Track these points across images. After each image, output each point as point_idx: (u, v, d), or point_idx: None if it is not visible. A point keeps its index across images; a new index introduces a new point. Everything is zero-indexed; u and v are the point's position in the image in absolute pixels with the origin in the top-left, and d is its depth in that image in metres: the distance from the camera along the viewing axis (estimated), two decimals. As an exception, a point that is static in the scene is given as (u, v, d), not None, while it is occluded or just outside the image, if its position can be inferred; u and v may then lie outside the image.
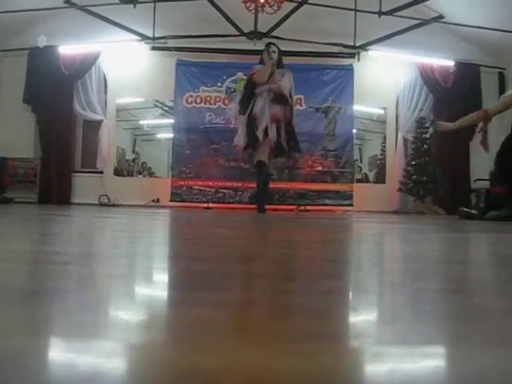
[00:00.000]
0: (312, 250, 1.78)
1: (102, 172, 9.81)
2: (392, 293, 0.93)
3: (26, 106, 9.66)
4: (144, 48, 9.60)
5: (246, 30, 9.19)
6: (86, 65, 9.68)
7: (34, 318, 0.63)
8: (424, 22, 9.18)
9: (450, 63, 9.83)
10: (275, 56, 7.25)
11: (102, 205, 9.18)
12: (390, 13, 8.41)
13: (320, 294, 0.84)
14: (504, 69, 9.95)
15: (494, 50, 9.70)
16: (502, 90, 9.95)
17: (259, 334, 0.60)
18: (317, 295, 0.84)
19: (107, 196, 9.42)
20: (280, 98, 7.07)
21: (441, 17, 9.22)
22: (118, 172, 10.17)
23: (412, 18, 8.89)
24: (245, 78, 9.48)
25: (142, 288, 0.92)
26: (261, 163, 6.82)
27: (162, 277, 1.07)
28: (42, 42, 9.10)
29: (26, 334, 0.56)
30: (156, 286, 0.96)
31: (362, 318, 0.74)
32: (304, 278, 1.04)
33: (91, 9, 9.00)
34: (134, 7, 8.21)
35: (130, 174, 10.60)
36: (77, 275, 0.99)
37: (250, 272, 1.07)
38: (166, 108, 10.35)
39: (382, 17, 8.31)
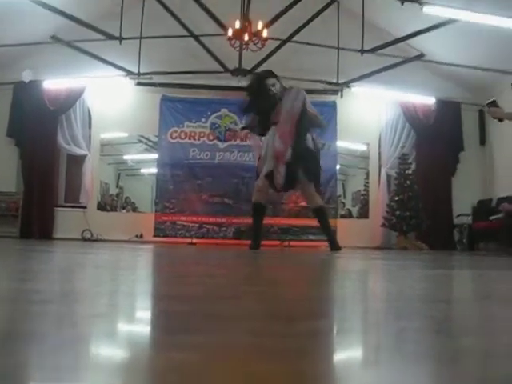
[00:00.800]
0: (295, 288, 1.77)
1: (85, 207, 9.75)
2: (376, 333, 0.93)
3: (9, 140, 9.64)
4: (129, 83, 9.65)
5: (230, 67, 9.29)
6: (71, 99, 9.70)
7: (8, 363, 0.61)
8: (405, 60, 9.34)
9: (431, 100, 9.99)
10: (277, 89, 6.15)
11: (84, 240, 9.11)
12: (372, 51, 8.56)
13: (303, 335, 0.84)
14: (484, 106, 10.11)
15: (474, 88, 9.89)
16: (482, 126, 10.12)
17: (240, 378, 0.59)
18: (300, 336, 0.83)
19: (90, 231, 9.34)
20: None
21: (422, 55, 9.40)
22: (101, 207, 10.12)
23: (393, 56, 9.05)
24: (229, 114, 9.57)
25: (122, 330, 0.91)
26: (258, 206, 6.19)
27: (142, 318, 1.05)
28: (27, 76, 9.12)
29: None
30: (136, 327, 0.95)
31: (345, 359, 0.73)
32: (287, 318, 1.03)
33: (77, 44, 9.06)
34: (120, 43, 8.27)
35: (114, 209, 10.54)
36: (56, 315, 0.97)
37: (232, 312, 1.06)
38: (150, 143, 10.38)
39: (364, 55, 8.46)
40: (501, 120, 5.91)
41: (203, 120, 9.66)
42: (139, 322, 1.00)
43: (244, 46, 7.85)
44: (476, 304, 1.44)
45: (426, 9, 6.91)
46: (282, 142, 5.90)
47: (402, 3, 6.79)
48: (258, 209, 6.20)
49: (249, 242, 6.34)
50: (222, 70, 9.40)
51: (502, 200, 9.10)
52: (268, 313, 1.11)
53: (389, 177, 10.22)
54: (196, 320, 0.94)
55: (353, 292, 1.70)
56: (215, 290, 1.50)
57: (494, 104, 5.79)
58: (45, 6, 7.81)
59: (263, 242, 6.30)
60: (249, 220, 7.94)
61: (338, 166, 9.82)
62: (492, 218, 9.03)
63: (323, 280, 2.26)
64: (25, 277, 1.80)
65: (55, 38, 9.14)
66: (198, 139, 9.59)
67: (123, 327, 0.93)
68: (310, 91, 9.51)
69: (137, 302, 1.30)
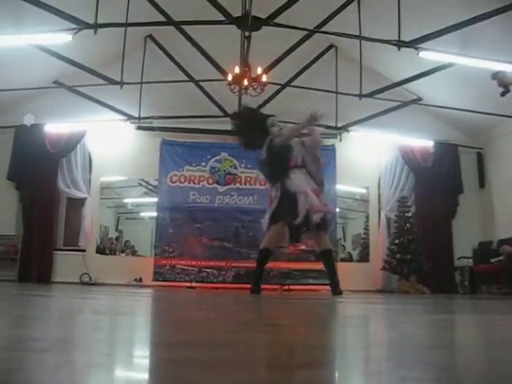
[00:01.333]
0: (296, 334, 1.76)
1: (84, 250, 9.72)
2: (376, 382, 0.92)
3: (9, 183, 9.68)
4: (129, 127, 9.75)
5: (230, 111, 9.38)
6: (72, 143, 9.78)
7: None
8: (403, 104, 9.46)
9: (429, 143, 10.07)
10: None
11: (83, 283, 9.04)
12: (371, 95, 8.66)
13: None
14: (481, 148, 10.21)
15: (471, 131, 9.99)
16: (480, 169, 10.18)
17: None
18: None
19: (89, 275, 9.29)
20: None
21: (419, 99, 9.52)
22: (100, 250, 10.09)
23: (391, 100, 9.16)
24: (229, 157, 9.63)
25: (120, 378, 0.90)
26: (268, 253, 6.02)
27: (140, 366, 1.04)
28: (28, 120, 9.21)
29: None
30: (134, 375, 0.94)
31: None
32: (286, 366, 1.02)
33: (79, 89, 9.18)
34: (121, 88, 8.38)
35: (113, 253, 10.51)
36: (54, 364, 0.96)
37: (230, 360, 1.05)
38: (150, 187, 10.41)
39: (363, 99, 8.55)
40: (507, 89, 5.91)
41: (203, 164, 9.72)
42: (137, 371, 0.99)
43: (243, 91, 7.95)
44: (478, 350, 1.43)
45: (423, 54, 7.01)
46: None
47: (399, 49, 6.90)
48: (267, 255, 6.04)
49: (248, 285, 6.28)
50: (221, 114, 9.50)
51: (502, 242, 9.09)
52: (267, 361, 1.10)
53: (388, 220, 10.23)
54: (193, 368, 0.93)
55: (354, 339, 1.68)
56: (214, 336, 1.49)
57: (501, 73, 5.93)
58: (49, 52, 7.95)
59: (263, 286, 6.24)
60: (248, 264, 7.90)
61: (337, 210, 9.83)
62: (493, 260, 9.00)
63: (323, 326, 2.24)
64: (24, 323, 1.79)
65: (58, 83, 9.26)
66: (198, 183, 9.63)
67: (121, 376, 0.92)
68: (309, 135, 9.62)
69: (135, 350, 1.29)
